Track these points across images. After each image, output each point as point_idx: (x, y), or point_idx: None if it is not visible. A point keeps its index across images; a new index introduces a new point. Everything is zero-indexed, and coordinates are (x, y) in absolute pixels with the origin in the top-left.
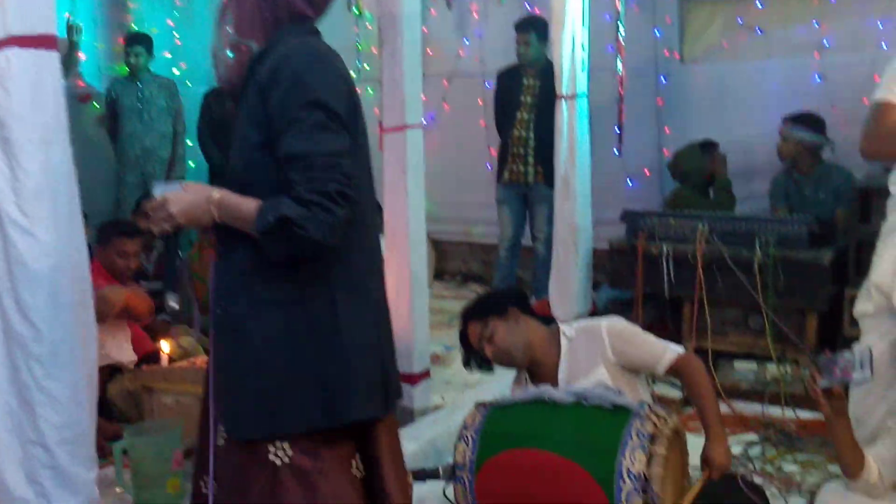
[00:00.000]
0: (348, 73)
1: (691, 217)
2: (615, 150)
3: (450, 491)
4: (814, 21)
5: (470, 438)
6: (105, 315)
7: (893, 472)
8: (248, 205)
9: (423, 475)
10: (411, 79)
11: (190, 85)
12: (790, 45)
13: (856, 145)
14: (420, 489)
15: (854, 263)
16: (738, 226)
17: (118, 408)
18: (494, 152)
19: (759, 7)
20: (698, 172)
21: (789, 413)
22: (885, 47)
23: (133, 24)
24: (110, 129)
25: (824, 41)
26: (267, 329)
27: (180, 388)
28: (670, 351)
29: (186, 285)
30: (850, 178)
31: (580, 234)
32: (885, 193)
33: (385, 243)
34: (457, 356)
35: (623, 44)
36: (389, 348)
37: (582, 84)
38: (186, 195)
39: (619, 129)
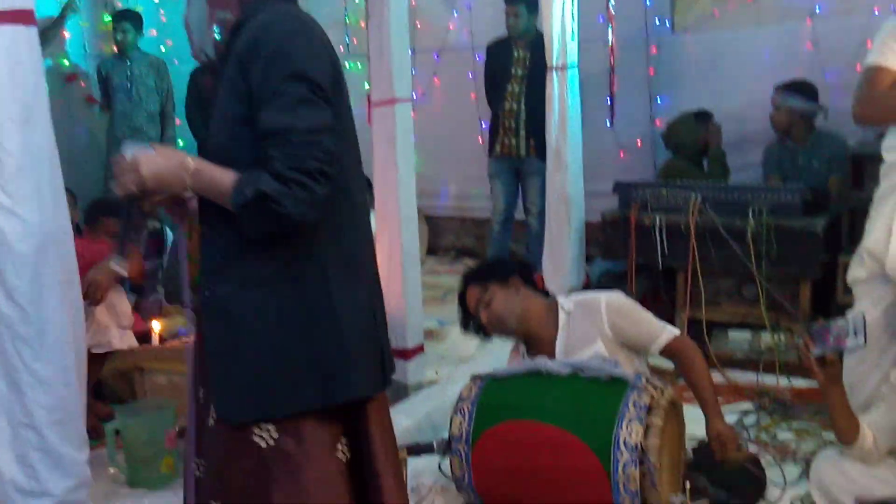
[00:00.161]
0: (330, 44)
1: (684, 187)
2: (607, 121)
3: (445, 465)
4: None
5: (466, 411)
6: (98, 297)
7: (888, 439)
8: (225, 176)
9: (418, 450)
10: (399, 51)
11: (177, 63)
12: (781, 12)
13: (849, 112)
14: (415, 464)
15: (847, 231)
16: (730, 195)
17: (110, 388)
18: (486, 125)
19: None
20: (692, 143)
21: (784, 381)
22: (876, 13)
23: (119, 2)
24: (104, 108)
25: (816, 7)
26: (256, 309)
27: (172, 368)
28: (667, 332)
29: (178, 264)
30: (843, 146)
31: (572, 206)
32: (879, 160)
33: (376, 219)
34: (451, 331)
35: (613, 13)
36: (383, 324)
37: (572, 54)
38: (158, 158)
39: (611, 100)
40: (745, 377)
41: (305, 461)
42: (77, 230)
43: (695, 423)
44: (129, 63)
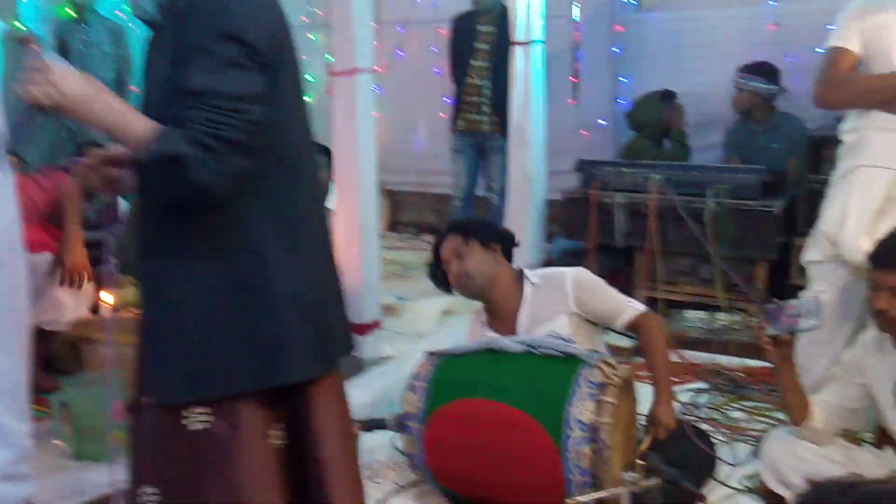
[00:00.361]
0: (279, 7)
1: (644, 167)
2: (570, 99)
3: (400, 441)
4: None
5: (419, 388)
6: (80, 284)
7: (838, 419)
8: (138, 124)
9: (371, 426)
10: (361, 20)
11: (134, 28)
12: None
13: (809, 95)
14: (369, 440)
15: (804, 213)
16: (691, 175)
17: (59, 360)
18: (449, 101)
19: None
20: (655, 123)
21: (737, 361)
22: None
23: None
24: None
25: None
26: (188, 284)
27: (121, 339)
28: (632, 308)
29: (130, 234)
30: (802, 128)
31: (534, 183)
32: (836, 143)
33: (335, 191)
34: (410, 307)
35: None
36: (332, 303)
37: (537, 30)
38: (80, 79)
39: (575, 77)
40: (699, 356)
41: (238, 447)
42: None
43: (648, 402)
44: (85, 27)
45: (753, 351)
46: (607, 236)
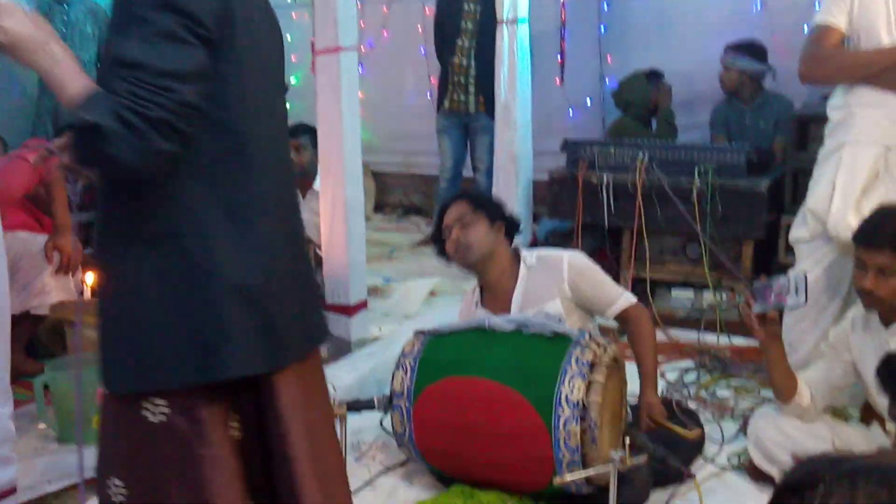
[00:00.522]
0: None
1: (631, 146)
2: (557, 78)
3: (386, 422)
4: None
5: (408, 366)
6: (73, 270)
7: (825, 396)
8: (79, 83)
9: (358, 406)
10: None
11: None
12: None
13: (796, 73)
14: (357, 421)
15: (791, 191)
16: (677, 155)
17: (42, 343)
18: (435, 81)
19: None
20: (642, 102)
21: (724, 340)
22: None
23: None
24: None
25: None
26: (137, 270)
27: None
28: (624, 298)
29: None
30: (789, 107)
31: (520, 163)
32: (823, 121)
33: (319, 171)
34: (396, 288)
35: None
36: (293, 293)
37: (523, 8)
38: (27, 14)
39: (561, 56)
40: (686, 335)
41: (199, 442)
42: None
43: (637, 381)
44: (66, 7)
45: (740, 329)
46: (594, 216)
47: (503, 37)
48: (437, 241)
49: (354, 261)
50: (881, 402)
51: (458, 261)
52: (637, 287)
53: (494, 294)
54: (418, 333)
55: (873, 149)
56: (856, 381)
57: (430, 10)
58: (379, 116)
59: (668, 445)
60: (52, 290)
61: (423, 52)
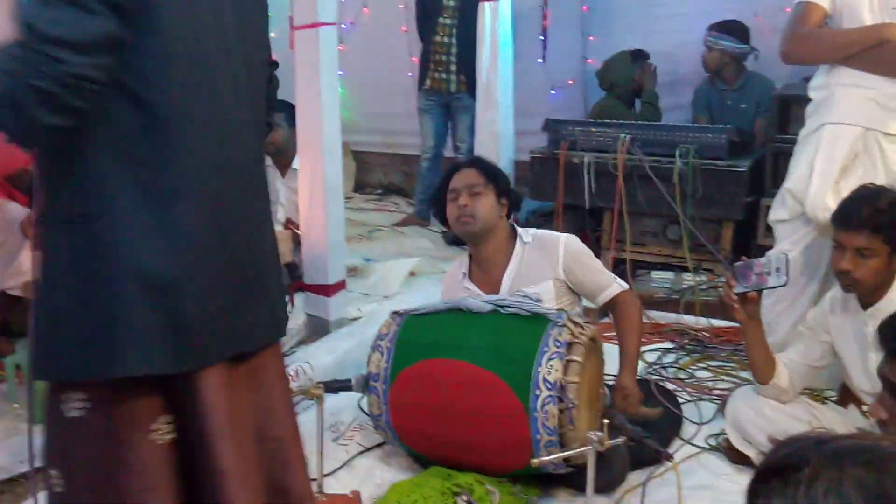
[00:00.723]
0: None
1: (613, 126)
2: (539, 58)
3: (364, 402)
4: None
5: (385, 348)
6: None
7: (803, 377)
8: None
9: (335, 387)
10: None
11: None
12: None
13: (778, 55)
14: (335, 401)
15: (771, 173)
16: (659, 135)
17: (16, 323)
18: (416, 59)
19: None
20: (626, 83)
21: (703, 321)
22: None
23: None
24: None
25: None
26: (53, 251)
27: None
28: (616, 285)
29: None
30: (771, 88)
31: (502, 143)
32: (805, 102)
33: (298, 149)
34: (376, 268)
35: None
36: (226, 287)
37: None
38: None
39: (544, 36)
40: (665, 316)
41: (116, 440)
42: None
43: (614, 361)
44: None
45: (719, 311)
46: (575, 197)
47: (485, 16)
48: (436, 202)
49: (333, 241)
50: (859, 382)
51: (459, 228)
52: (617, 268)
53: (485, 268)
54: (394, 314)
55: (853, 129)
56: (834, 363)
57: None
58: (359, 95)
59: (646, 426)
60: (28, 270)
61: (404, 29)
